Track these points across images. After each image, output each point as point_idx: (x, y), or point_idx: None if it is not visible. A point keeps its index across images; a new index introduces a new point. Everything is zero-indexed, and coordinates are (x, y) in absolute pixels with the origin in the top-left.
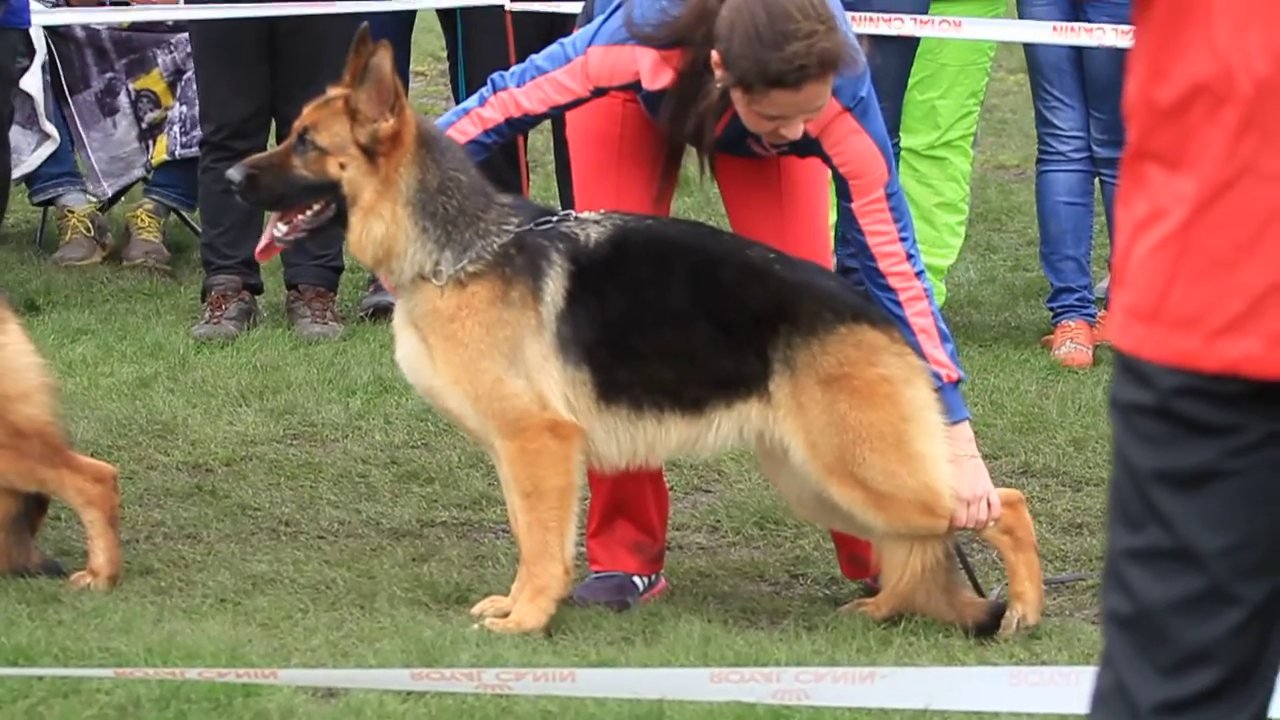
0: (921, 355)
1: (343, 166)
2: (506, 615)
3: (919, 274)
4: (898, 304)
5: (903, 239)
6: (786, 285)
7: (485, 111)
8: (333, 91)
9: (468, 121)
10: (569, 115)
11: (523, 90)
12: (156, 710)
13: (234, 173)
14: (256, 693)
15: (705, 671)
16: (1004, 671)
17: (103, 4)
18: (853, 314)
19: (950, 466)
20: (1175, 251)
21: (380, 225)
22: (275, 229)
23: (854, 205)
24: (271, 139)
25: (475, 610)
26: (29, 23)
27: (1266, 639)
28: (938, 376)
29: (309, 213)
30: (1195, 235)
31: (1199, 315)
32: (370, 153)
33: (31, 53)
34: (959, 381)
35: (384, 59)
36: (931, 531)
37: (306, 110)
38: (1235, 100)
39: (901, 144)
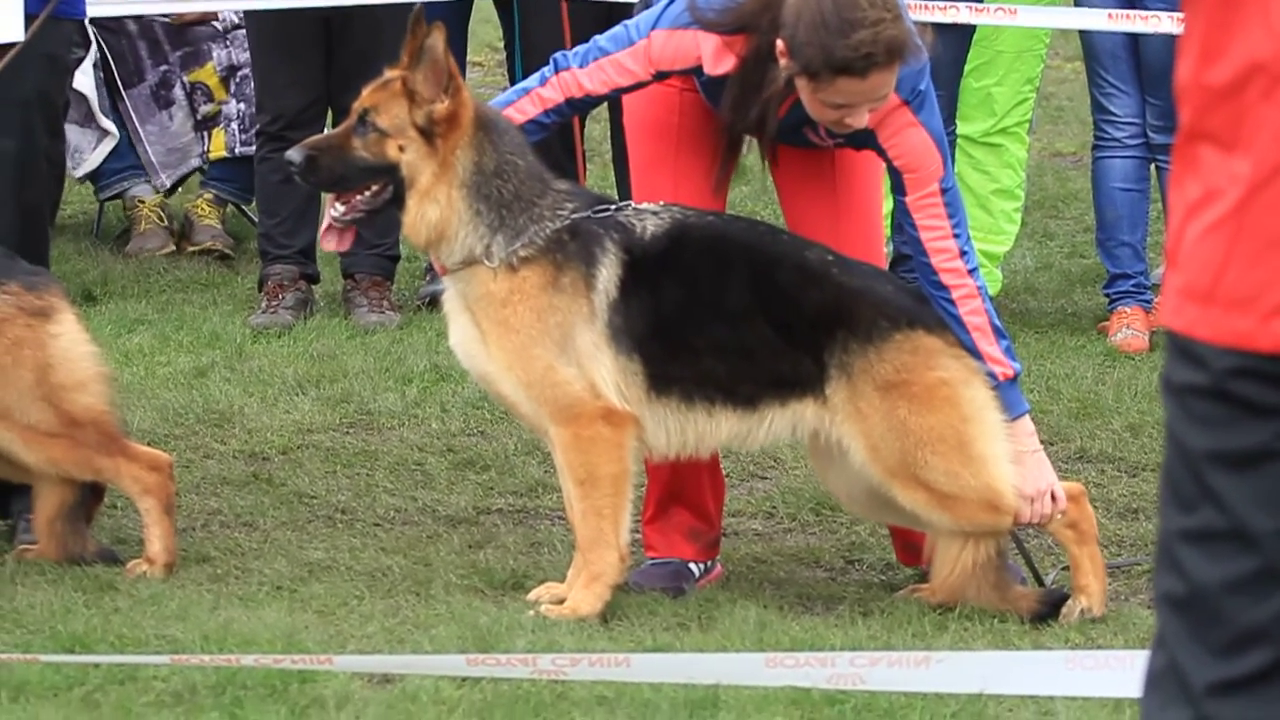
0: (976, 354)
1: (401, 149)
2: (562, 602)
3: (972, 271)
4: (951, 302)
5: (956, 235)
6: (844, 290)
7: (545, 91)
8: (390, 73)
9: (527, 101)
10: (626, 104)
11: (585, 71)
12: (213, 697)
13: (294, 154)
14: (312, 679)
15: (760, 656)
16: (1059, 656)
17: None
18: (909, 319)
19: (1012, 465)
20: (1230, 232)
21: (435, 209)
22: (332, 209)
23: (908, 199)
24: (327, 129)
25: (531, 597)
26: (84, 13)
27: None
28: (993, 375)
29: (367, 194)
30: (1251, 215)
31: (1254, 295)
32: (428, 134)
33: (86, 44)
34: (1016, 376)
35: (437, 40)
36: (995, 529)
37: (366, 92)
38: None
39: (958, 131)
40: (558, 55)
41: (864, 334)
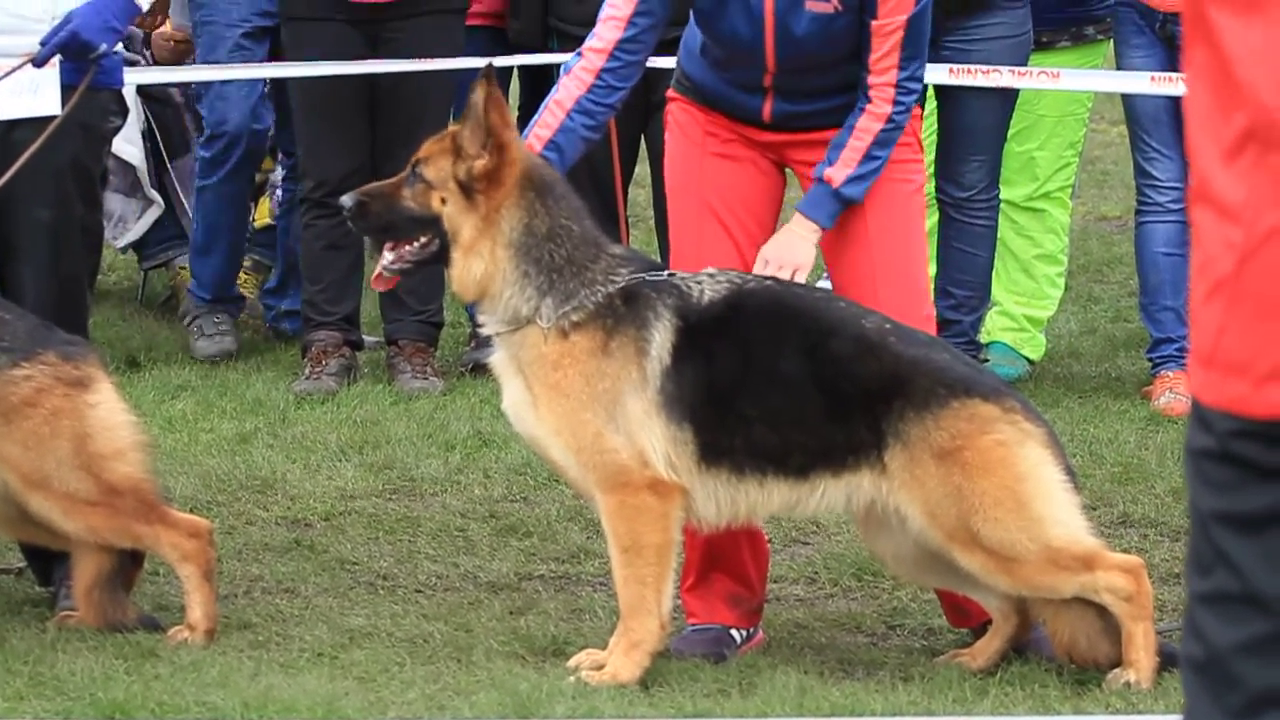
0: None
1: (444, 201)
2: (602, 668)
3: (897, 101)
4: (861, 110)
5: (902, 68)
6: (902, 360)
7: (565, 89)
8: (450, 128)
9: (549, 113)
10: (666, 166)
11: (594, 32)
12: None
13: (347, 199)
14: None
15: None
16: None
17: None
18: (965, 389)
19: (1076, 523)
20: (1226, 299)
21: (479, 264)
22: (383, 258)
23: (875, 23)
24: None
25: (572, 663)
26: (122, 82)
27: None
28: (821, 179)
29: (415, 245)
30: (1243, 283)
31: (1248, 362)
32: (467, 189)
33: (124, 112)
34: (839, 193)
35: (479, 95)
36: (1054, 592)
37: (425, 144)
38: None
39: (1000, 196)
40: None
41: (921, 402)
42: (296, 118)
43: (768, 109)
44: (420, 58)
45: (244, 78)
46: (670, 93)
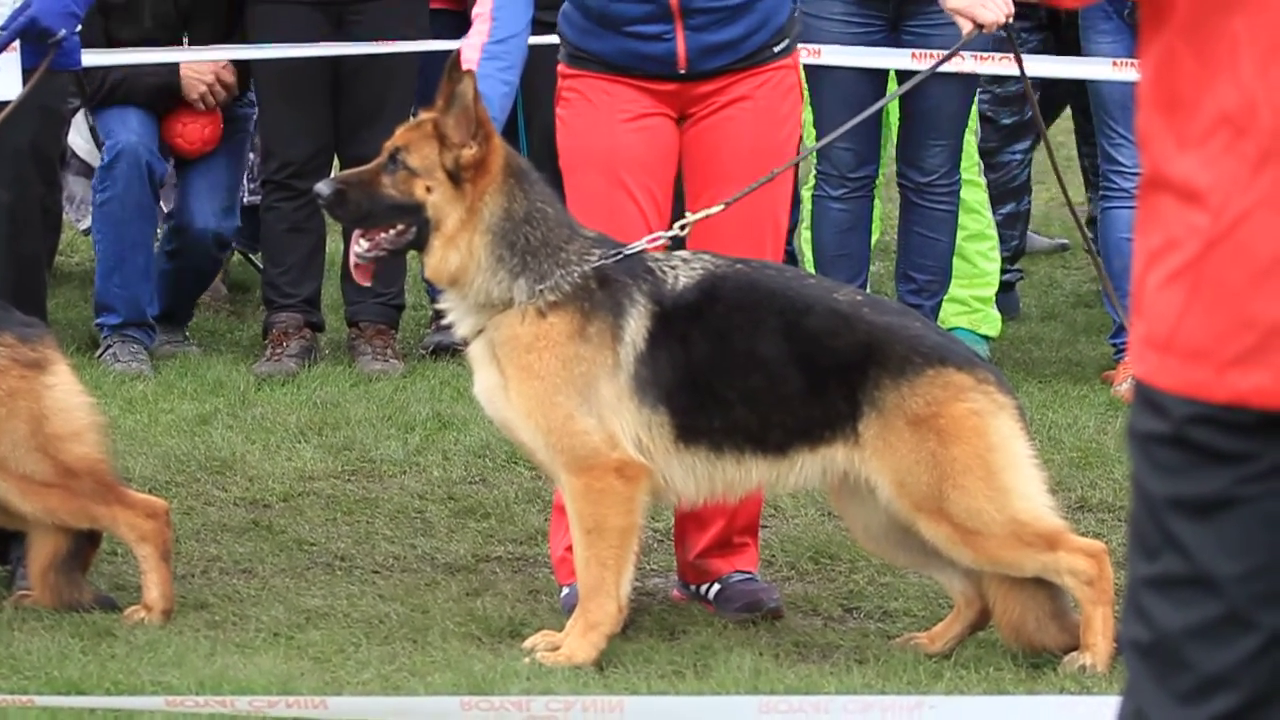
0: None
1: (429, 190)
2: (558, 649)
3: None
4: None
5: None
6: (876, 328)
7: (471, 38)
8: (424, 115)
9: (475, 34)
10: (567, 142)
11: None
12: None
13: (323, 186)
14: None
15: (754, 701)
16: (1053, 701)
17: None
18: (939, 357)
19: (1042, 500)
20: (1188, 284)
21: (457, 255)
22: (356, 246)
23: None
24: None
25: (528, 644)
26: (79, 64)
27: None
28: None
29: (391, 232)
30: (1208, 268)
31: (1210, 347)
32: (455, 178)
33: (82, 94)
34: None
35: (468, 86)
36: (1016, 569)
37: (399, 131)
38: (1257, 133)
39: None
40: None
41: (896, 370)
42: (259, 100)
43: (682, 51)
44: (384, 40)
45: (203, 59)
46: (564, 69)
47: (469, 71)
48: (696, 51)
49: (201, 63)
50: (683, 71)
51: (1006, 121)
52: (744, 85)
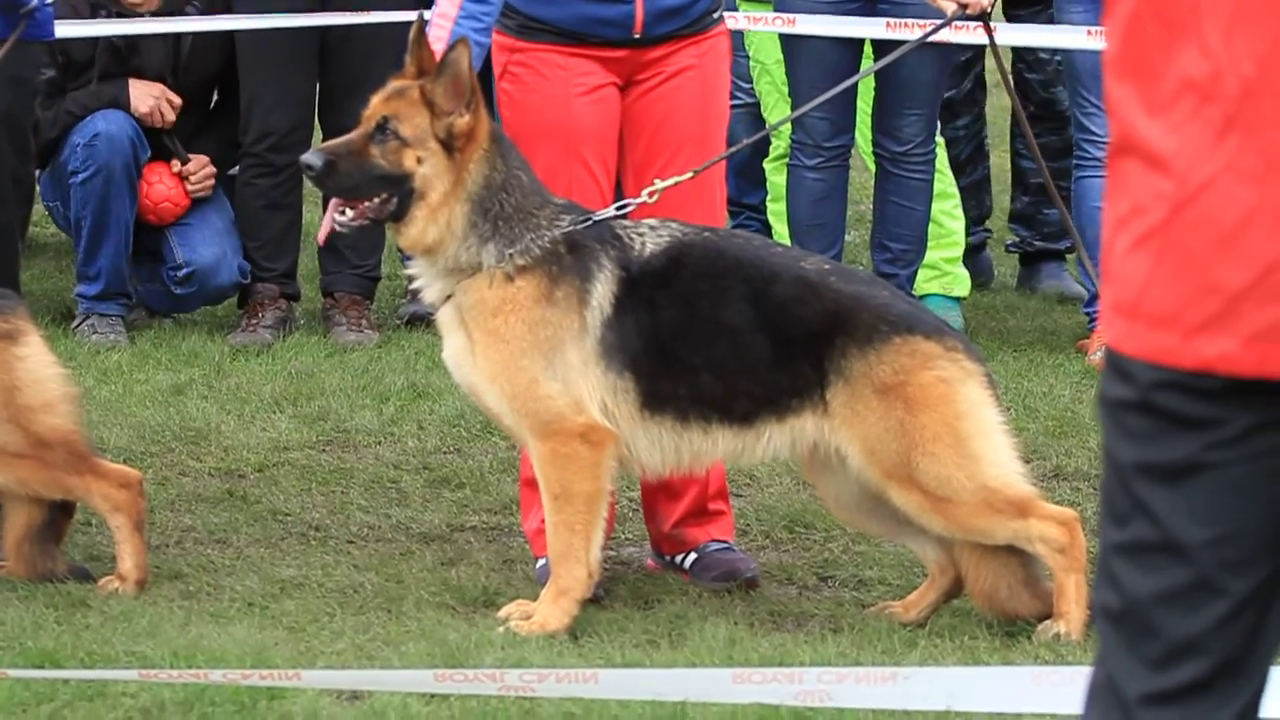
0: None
1: (419, 161)
2: (531, 618)
3: None
4: None
5: None
6: (843, 297)
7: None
8: (401, 83)
9: (437, 27)
10: (518, 116)
11: None
12: (180, 713)
13: (313, 158)
14: (281, 696)
15: (728, 672)
16: (1026, 671)
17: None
18: (907, 325)
19: (1012, 466)
20: (1154, 250)
21: (436, 227)
22: (336, 215)
23: None
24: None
25: (501, 613)
26: (53, 35)
27: (1257, 630)
28: None
29: (375, 201)
30: (1174, 234)
31: (1176, 313)
32: (448, 147)
33: (55, 64)
34: None
35: (462, 54)
36: (987, 537)
37: (378, 99)
38: (1221, 99)
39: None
40: None
41: (863, 338)
42: (242, 71)
43: (640, 14)
44: (369, 10)
45: (193, 29)
46: (513, 42)
47: (463, 40)
48: (653, 15)
49: (149, 84)
50: (637, 36)
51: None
52: (689, 53)
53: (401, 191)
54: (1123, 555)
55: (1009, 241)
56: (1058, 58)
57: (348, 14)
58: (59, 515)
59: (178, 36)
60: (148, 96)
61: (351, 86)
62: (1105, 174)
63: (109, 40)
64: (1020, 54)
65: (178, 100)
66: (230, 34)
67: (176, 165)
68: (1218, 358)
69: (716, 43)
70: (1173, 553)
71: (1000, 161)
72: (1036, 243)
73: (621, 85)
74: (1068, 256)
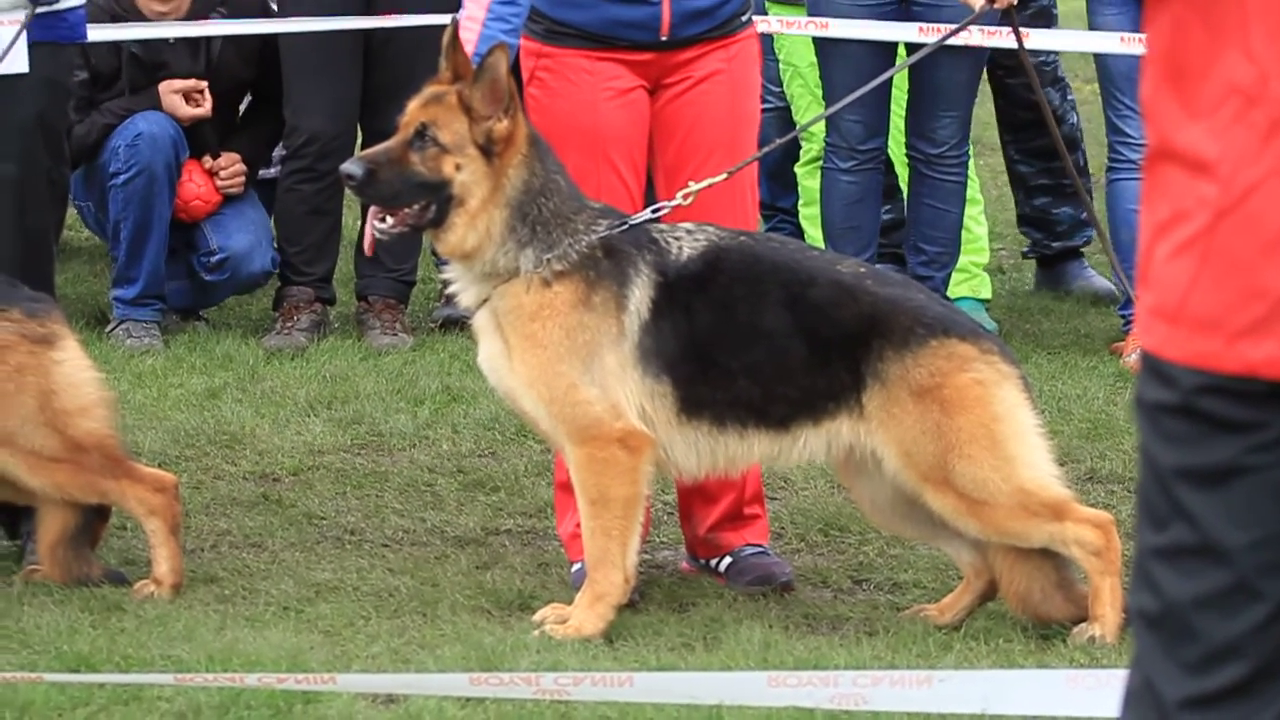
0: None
1: (458, 167)
2: (566, 622)
3: None
4: None
5: None
6: (880, 300)
7: (474, 2)
8: (438, 88)
9: (466, 29)
10: (547, 119)
11: None
12: (216, 717)
13: (354, 167)
14: (316, 700)
15: (763, 676)
16: (1061, 675)
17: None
18: (943, 328)
19: (1048, 469)
20: (1197, 255)
21: (476, 233)
22: (376, 223)
23: None
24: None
25: (537, 617)
26: (85, 37)
27: None
28: None
29: (415, 208)
30: (1217, 239)
31: (1220, 318)
32: (488, 153)
33: (87, 66)
34: None
35: (500, 59)
36: (1023, 540)
37: (416, 105)
38: (1267, 103)
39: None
40: None
41: (900, 341)
42: (287, 75)
43: (666, 16)
44: (414, 13)
45: (221, 33)
46: (539, 47)
47: (500, 45)
48: (680, 17)
49: (177, 82)
50: (664, 39)
51: None
52: (717, 57)
53: (441, 198)
54: (1161, 559)
55: (1025, 248)
56: (1045, 59)
57: (390, 17)
58: (94, 519)
59: (207, 48)
60: (177, 95)
61: (395, 90)
62: (1142, 178)
63: (133, 53)
64: (999, 60)
65: (207, 92)
66: (261, 43)
67: (208, 161)
68: (1263, 362)
69: (745, 46)
70: (1212, 556)
71: (993, 164)
72: (1054, 244)
73: (650, 89)
74: (1083, 251)
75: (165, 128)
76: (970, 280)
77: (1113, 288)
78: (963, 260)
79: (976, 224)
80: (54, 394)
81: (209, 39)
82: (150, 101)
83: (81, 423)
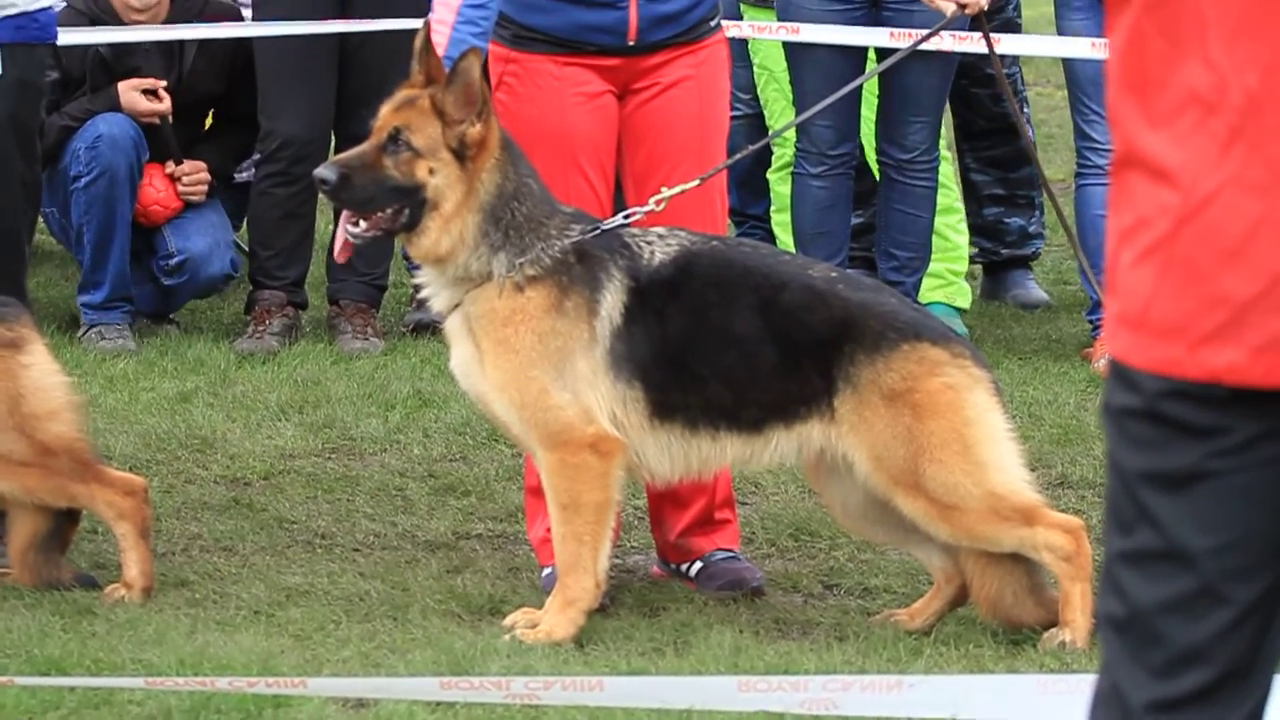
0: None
1: (432, 171)
2: (538, 626)
3: None
4: None
5: None
6: (851, 304)
7: (444, 4)
8: (410, 92)
9: (437, 33)
10: (515, 124)
11: None
12: None
13: (327, 172)
14: (287, 703)
15: (733, 680)
16: (1032, 680)
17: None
18: (914, 332)
19: (1019, 474)
20: (1159, 262)
21: (449, 238)
22: (348, 228)
23: None
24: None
25: (507, 622)
26: (55, 37)
27: (1261, 638)
28: None
29: (389, 212)
30: (1179, 246)
31: (1183, 324)
32: (460, 157)
33: (58, 67)
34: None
35: (473, 63)
36: (993, 544)
37: (388, 109)
38: (1226, 111)
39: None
40: None
41: (871, 345)
42: (262, 79)
43: (634, 20)
44: (387, 17)
45: (195, 37)
46: (507, 52)
47: (473, 49)
48: (647, 21)
49: (137, 80)
50: (631, 43)
51: None
52: (685, 62)
53: (414, 202)
54: (1127, 563)
55: (973, 253)
56: (1007, 71)
57: (365, 21)
58: (64, 523)
59: (180, 59)
60: (136, 92)
61: (369, 94)
62: (1108, 184)
63: (103, 57)
64: (964, 70)
65: (163, 92)
66: (231, 58)
67: (170, 166)
68: (1225, 368)
69: (714, 52)
70: (1177, 561)
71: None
72: (1002, 251)
73: (618, 94)
74: (1031, 264)
75: (125, 129)
76: (946, 287)
77: (1048, 299)
78: (939, 267)
79: (956, 232)
80: (22, 398)
81: (182, 50)
82: (109, 101)
83: (50, 426)
